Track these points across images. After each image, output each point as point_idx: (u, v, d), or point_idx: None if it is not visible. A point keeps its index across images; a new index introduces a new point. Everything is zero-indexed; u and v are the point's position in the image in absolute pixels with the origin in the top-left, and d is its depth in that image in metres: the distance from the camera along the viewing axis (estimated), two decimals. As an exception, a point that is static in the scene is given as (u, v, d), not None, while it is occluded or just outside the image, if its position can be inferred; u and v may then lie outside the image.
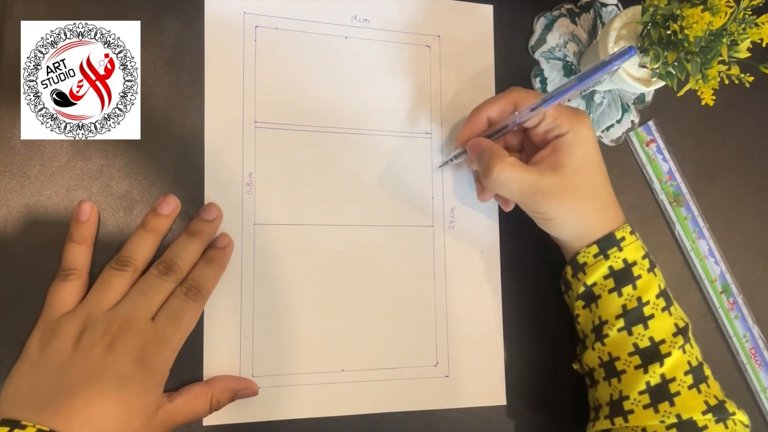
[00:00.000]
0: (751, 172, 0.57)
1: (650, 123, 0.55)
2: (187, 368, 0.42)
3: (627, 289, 0.43)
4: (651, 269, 0.44)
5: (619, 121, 0.53)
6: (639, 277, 0.43)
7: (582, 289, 0.45)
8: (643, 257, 0.44)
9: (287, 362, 0.45)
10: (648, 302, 0.43)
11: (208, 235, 0.43)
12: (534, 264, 0.51)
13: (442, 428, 0.47)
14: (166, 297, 0.40)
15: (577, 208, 0.43)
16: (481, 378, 0.48)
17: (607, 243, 0.43)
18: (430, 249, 0.49)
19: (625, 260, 0.43)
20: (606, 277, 0.44)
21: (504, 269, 0.50)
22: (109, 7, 0.44)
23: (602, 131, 0.53)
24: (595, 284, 0.44)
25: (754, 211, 0.57)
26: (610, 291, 0.43)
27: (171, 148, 0.44)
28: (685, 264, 0.55)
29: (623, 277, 0.43)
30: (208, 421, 0.43)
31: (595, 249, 0.43)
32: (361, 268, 0.47)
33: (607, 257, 0.43)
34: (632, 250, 0.43)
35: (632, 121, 0.54)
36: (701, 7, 0.41)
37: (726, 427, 0.41)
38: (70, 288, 0.39)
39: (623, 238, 0.43)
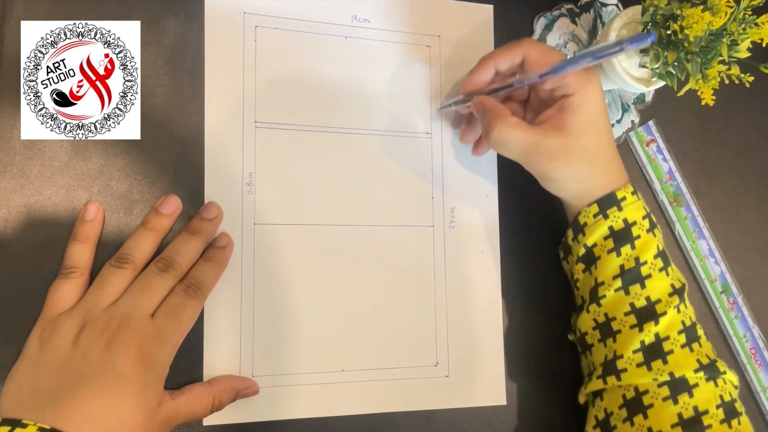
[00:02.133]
0: (751, 172, 0.57)
1: (650, 123, 0.55)
2: (187, 368, 0.42)
3: (626, 249, 0.43)
4: (651, 230, 0.44)
5: (619, 121, 0.53)
6: (638, 237, 0.43)
7: (582, 251, 0.45)
8: (644, 217, 0.44)
9: (287, 362, 0.45)
10: (646, 262, 0.43)
11: (208, 233, 0.43)
12: (534, 264, 0.51)
13: (442, 428, 0.47)
14: (165, 294, 0.40)
15: (580, 170, 0.43)
16: (481, 378, 0.48)
17: (607, 202, 0.43)
18: (430, 249, 0.49)
19: (625, 220, 0.43)
20: (606, 237, 0.44)
21: (504, 269, 0.50)
22: (109, 7, 0.44)
23: (602, 131, 0.53)
24: (595, 245, 0.44)
25: (754, 211, 0.57)
26: (609, 251, 0.43)
27: (171, 148, 0.44)
28: (685, 264, 0.55)
29: (623, 236, 0.43)
30: (208, 421, 0.42)
31: (595, 208, 0.44)
32: (361, 268, 0.47)
33: (606, 217, 0.43)
34: (632, 210, 0.43)
35: (632, 121, 0.54)
36: (701, 7, 0.41)
37: (716, 385, 0.41)
38: (71, 286, 0.39)
39: (624, 198, 0.43)
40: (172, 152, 0.44)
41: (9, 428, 0.33)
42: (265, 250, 0.45)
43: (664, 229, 0.55)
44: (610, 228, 0.43)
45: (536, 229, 0.51)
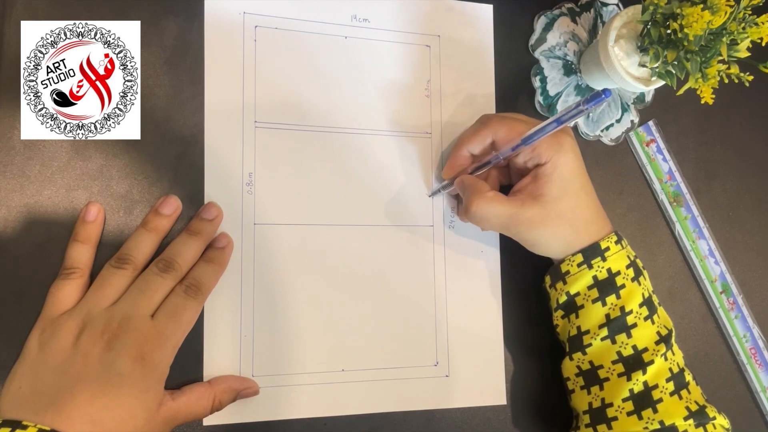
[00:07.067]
0: (751, 172, 0.57)
1: (650, 123, 0.55)
2: (187, 368, 0.42)
3: (611, 299, 0.43)
4: (635, 278, 0.44)
5: (618, 121, 0.53)
6: (623, 286, 0.43)
7: (564, 298, 0.45)
8: (628, 266, 0.44)
9: (287, 362, 0.45)
10: (631, 311, 0.43)
11: (208, 234, 0.43)
12: (534, 263, 0.51)
13: (442, 428, 0.47)
14: (165, 295, 0.40)
15: (560, 232, 0.43)
16: (481, 378, 0.48)
17: (591, 253, 0.44)
18: (430, 249, 0.49)
19: (609, 270, 0.44)
20: (590, 287, 0.44)
21: (504, 269, 0.50)
22: (109, 7, 0.44)
23: (602, 130, 0.53)
24: (578, 294, 0.45)
25: (754, 211, 0.57)
26: (594, 300, 0.44)
27: (171, 148, 0.44)
28: (685, 264, 0.55)
29: (607, 286, 0.44)
30: (208, 421, 0.42)
31: (579, 258, 0.44)
32: (361, 268, 0.47)
33: (591, 267, 0.44)
34: (617, 259, 0.44)
35: (632, 121, 0.54)
36: (701, 6, 0.41)
37: (705, 431, 0.42)
38: (71, 287, 0.39)
39: (608, 248, 0.44)
40: (172, 152, 0.44)
41: (9, 429, 0.33)
42: (265, 250, 0.45)
43: (664, 230, 0.55)
44: (594, 278, 0.44)
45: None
